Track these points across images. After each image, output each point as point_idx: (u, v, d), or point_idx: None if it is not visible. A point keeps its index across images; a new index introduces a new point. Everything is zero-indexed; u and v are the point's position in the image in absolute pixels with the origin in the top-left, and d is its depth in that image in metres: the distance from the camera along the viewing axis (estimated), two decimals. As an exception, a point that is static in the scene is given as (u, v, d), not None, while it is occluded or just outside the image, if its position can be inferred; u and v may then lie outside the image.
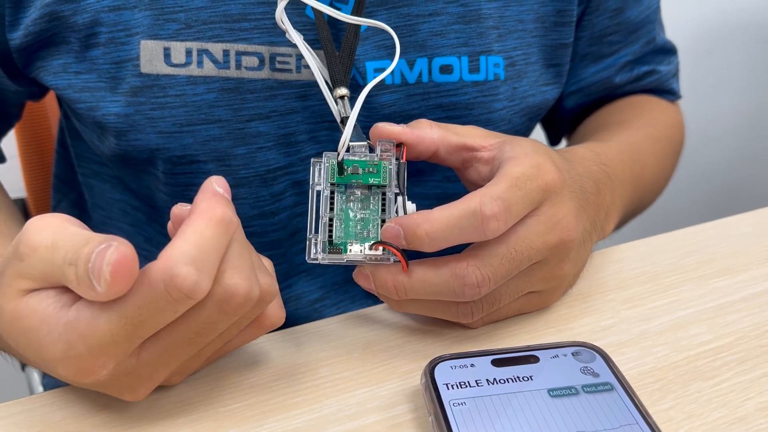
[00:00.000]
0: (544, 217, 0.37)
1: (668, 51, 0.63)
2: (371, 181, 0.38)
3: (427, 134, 0.40)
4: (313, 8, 0.42)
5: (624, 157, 0.51)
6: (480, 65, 0.50)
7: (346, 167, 0.38)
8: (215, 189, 0.32)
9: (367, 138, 0.40)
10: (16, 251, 0.32)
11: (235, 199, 0.49)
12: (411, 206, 0.38)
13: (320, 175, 0.38)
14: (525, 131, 0.56)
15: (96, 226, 0.59)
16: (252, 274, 0.32)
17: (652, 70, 0.61)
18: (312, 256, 0.37)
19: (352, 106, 0.41)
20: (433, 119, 0.49)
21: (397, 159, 0.39)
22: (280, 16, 0.41)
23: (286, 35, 0.42)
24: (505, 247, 0.36)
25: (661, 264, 0.47)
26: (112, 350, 0.31)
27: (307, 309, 0.54)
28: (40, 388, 0.68)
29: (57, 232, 0.31)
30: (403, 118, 0.50)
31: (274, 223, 0.51)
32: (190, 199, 0.50)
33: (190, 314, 0.31)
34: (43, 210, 0.74)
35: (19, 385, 0.75)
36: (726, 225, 0.51)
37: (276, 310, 0.36)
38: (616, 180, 0.48)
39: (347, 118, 0.40)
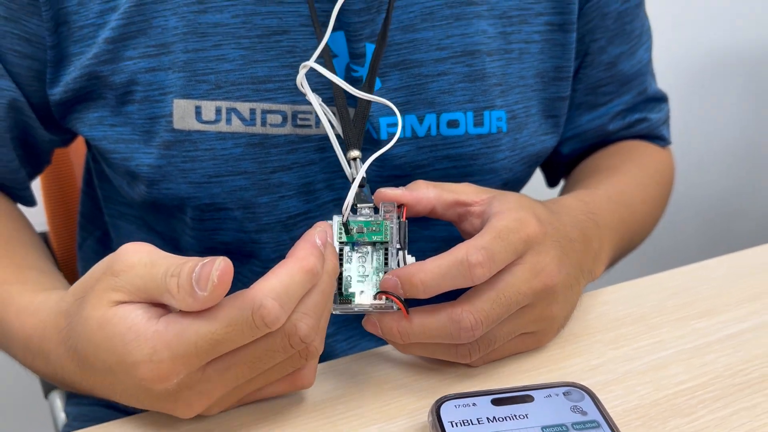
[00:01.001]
0: (528, 264, 0.42)
1: (659, 99, 0.68)
2: (374, 238, 0.43)
3: (424, 194, 0.44)
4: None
5: (612, 205, 0.56)
6: (484, 119, 0.55)
7: (352, 227, 0.42)
8: (315, 241, 0.38)
9: (371, 199, 0.44)
10: (109, 268, 0.37)
11: (257, 243, 0.54)
12: (410, 259, 0.43)
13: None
14: (525, 177, 0.61)
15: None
16: (316, 323, 0.37)
17: (643, 118, 0.66)
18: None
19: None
20: (441, 169, 0.53)
21: (398, 218, 0.43)
22: (301, 80, 0.45)
23: (306, 97, 0.46)
24: (495, 293, 0.41)
25: (645, 305, 0.51)
26: (190, 360, 0.35)
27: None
28: (62, 415, 0.71)
29: (153, 253, 0.37)
30: (413, 167, 0.54)
31: None
32: (215, 243, 0.54)
33: (258, 340, 0.36)
34: (66, 246, 0.78)
35: (40, 413, 0.79)
36: (706, 268, 0.55)
37: (310, 372, 0.41)
38: (604, 227, 0.52)
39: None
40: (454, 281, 0.40)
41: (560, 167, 0.69)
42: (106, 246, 0.66)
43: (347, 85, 0.44)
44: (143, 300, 0.37)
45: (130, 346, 0.36)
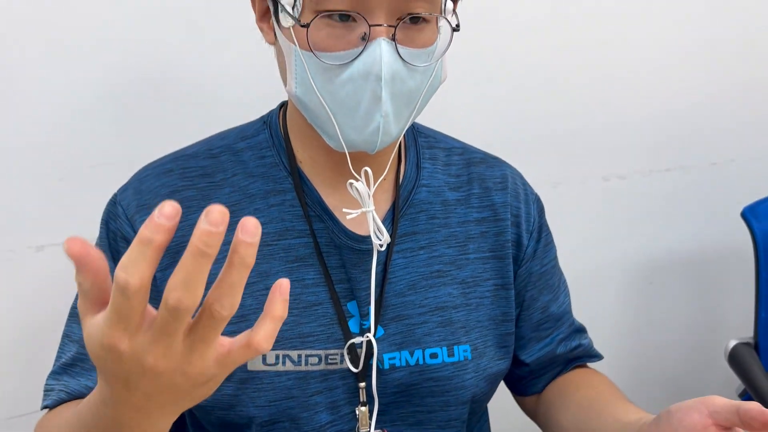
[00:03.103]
0: None
1: (583, 330, 0.93)
2: None
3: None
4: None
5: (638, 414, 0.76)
6: (455, 351, 0.80)
7: None
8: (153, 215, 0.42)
9: None
10: None
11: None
12: None
13: None
14: (489, 392, 0.85)
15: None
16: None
17: (579, 345, 0.91)
18: None
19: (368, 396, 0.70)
20: (426, 387, 0.79)
21: None
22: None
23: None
24: None
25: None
26: (117, 333, 0.43)
27: None
28: None
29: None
30: (407, 386, 0.78)
31: None
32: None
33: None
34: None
35: None
36: None
37: (263, 336, 0.45)
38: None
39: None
40: None
41: (525, 381, 0.92)
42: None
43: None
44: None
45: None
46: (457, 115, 1.25)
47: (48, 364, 0.80)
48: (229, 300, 0.42)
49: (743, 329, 1.42)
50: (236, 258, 0.41)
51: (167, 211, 0.40)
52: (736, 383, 1.33)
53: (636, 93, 1.43)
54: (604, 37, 1.37)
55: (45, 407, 0.77)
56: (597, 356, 0.94)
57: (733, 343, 1.32)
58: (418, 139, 0.86)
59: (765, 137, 1.57)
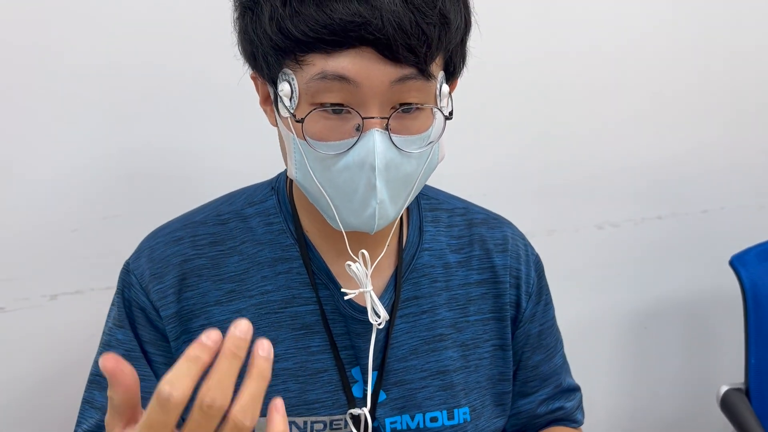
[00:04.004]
0: None
1: (572, 390, 0.97)
2: None
3: None
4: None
5: None
6: (455, 414, 0.84)
7: None
8: (202, 339, 0.47)
9: None
10: None
11: None
12: None
13: None
14: (485, 451, 0.89)
15: None
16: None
17: (561, 407, 0.94)
18: None
19: None
20: None
21: None
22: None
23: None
24: None
25: None
26: None
27: None
28: None
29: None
30: None
31: None
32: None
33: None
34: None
35: None
36: None
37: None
38: None
39: None
40: None
41: None
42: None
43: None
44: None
45: None
46: (455, 165, 1.28)
47: (59, 413, 0.82)
48: (251, 412, 0.46)
49: (736, 374, 1.45)
50: (255, 371, 0.46)
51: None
52: (730, 429, 1.36)
53: (628, 142, 1.47)
54: (594, 86, 1.41)
55: None
56: (576, 422, 0.97)
57: (724, 388, 1.35)
58: (420, 201, 0.89)
59: (753, 184, 1.61)
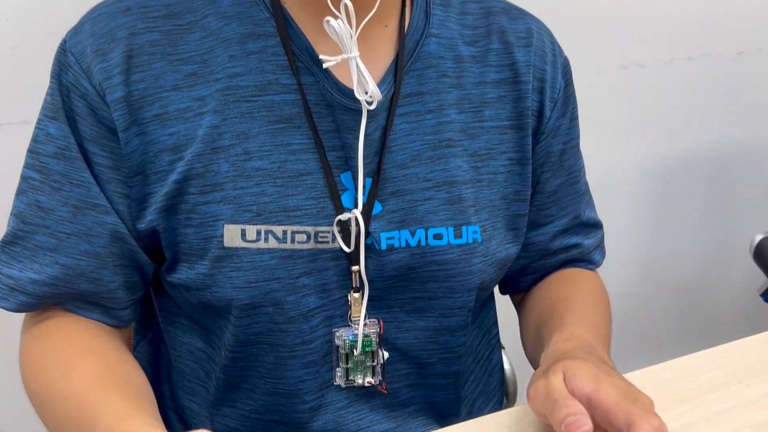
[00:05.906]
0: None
1: (593, 225, 0.82)
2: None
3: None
4: None
5: (597, 338, 0.68)
6: (462, 233, 0.70)
7: None
8: None
9: None
10: None
11: (284, 332, 0.68)
12: None
13: None
14: (496, 278, 0.75)
15: (169, 361, 0.77)
16: None
17: (577, 244, 0.80)
18: None
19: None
20: (428, 271, 0.68)
21: None
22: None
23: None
24: None
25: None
26: None
27: (334, 414, 0.71)
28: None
29: None
30: (407, 270, 0.69)
31: (311, 348, 0.69)
32: (249, 335, 0.68)
33: None
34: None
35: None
36: (652, 372, 0.67)
37: None
38: (599, 346, 0.66)
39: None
40: None
41: (509, 276, 0.82)
42: (156, 347, 0.79)
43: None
44: None
45: None
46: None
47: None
48: None
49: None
50: None
51: None
52: (758, 282, 1.24)
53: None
54: None
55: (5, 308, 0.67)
56: (593, 263, 0.83)
57: (759, 237, 1.21)
58: None
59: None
